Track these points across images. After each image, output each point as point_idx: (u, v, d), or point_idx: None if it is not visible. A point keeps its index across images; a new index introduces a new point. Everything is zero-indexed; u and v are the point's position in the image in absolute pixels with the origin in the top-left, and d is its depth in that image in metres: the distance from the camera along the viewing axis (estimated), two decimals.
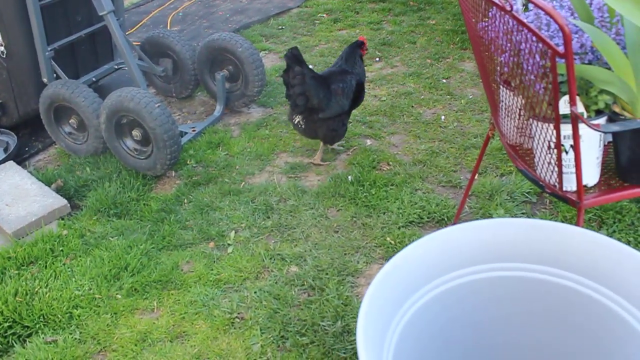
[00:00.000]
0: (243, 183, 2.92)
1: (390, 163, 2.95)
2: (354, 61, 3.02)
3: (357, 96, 3.00)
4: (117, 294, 2.28)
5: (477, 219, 2.45)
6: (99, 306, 2.22)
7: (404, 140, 3.16)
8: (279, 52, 4.38)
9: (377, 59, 4.11)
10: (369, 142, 3.17)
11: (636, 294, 1.34)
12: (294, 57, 2.76)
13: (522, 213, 2.52)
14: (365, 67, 3.19)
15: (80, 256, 2.49)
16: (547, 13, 1.43)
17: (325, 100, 2.83)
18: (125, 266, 2.39)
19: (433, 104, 3.48)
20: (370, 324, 1.27)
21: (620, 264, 1.38)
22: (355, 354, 1.90)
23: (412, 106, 3.47)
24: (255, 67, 3.42)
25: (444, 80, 3.74)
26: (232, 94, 3.58)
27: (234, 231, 2.57)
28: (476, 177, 2.78)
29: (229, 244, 2.49)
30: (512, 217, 2.50)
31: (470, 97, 3.51)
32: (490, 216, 2.49)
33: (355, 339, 1.94)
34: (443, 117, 3.32)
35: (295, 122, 2.95)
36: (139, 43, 3.84)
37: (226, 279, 2.30)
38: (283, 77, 2.84)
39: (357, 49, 3.04)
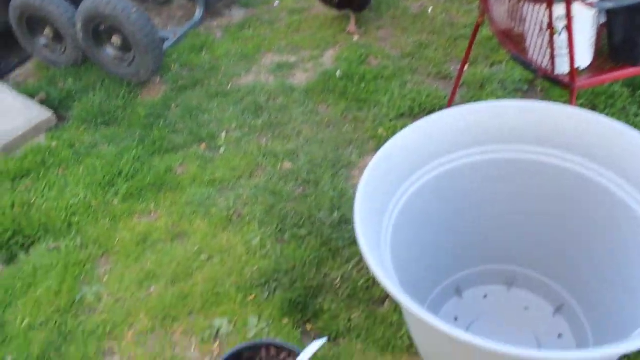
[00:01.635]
0: (230, 84, 2.87)
1: (379, 57, 2.90)
2: None
3: None
4: (113, 199, 2.28)
5: None
6: (97, 212, 2.24)
7: (392, 34, 3.09)
8: None
9: None
10: (356, 37, 3.10)
11: (628, 170, 1.36)
12: None
13: None
14: None
15: (72, 166, 2.48)
16: None
17: None
18: (119, 172, 2.38)
19: None
20: (366, 211, 1.29)
21: (613, 142, 1.39)
22: (353, 242, 1.95)
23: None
24: None
25: None
26: None
27: (224, 132, 2.55)
28: (466, 67, 2.75)
29: (220, 145, 2.48)
30: None
31: None
32: None
33: (352, 227, 1.98)
34: (430, 9, 3.23)
35: None
36: None
37: (220, 178, 2.30)
38: None
39: None
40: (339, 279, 1.84)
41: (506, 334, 1.60)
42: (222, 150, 2.45)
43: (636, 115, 2.33)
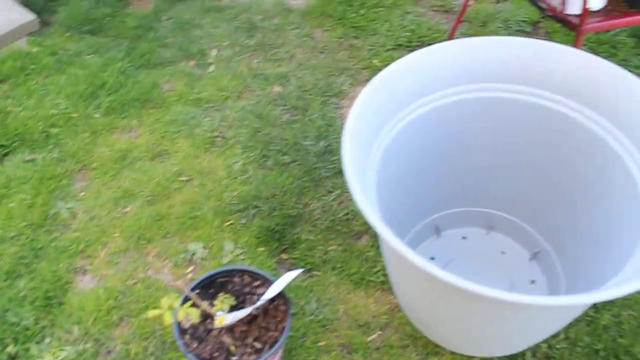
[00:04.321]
0: None
1: None
2: None
3: None
4: (94, 113, 2.20)
5: None
6: (77, 125, 2.16)
7: None
8: None
9: None
10: None
11: (620, 117, 1.30)
12: None
13: None
14: None
15: (53, 74, 2.38)
16: None
17: None
18: (102, 85, 2.29)
19: None
20: (354, 144, 1.23)
21: (609, 87, 1.33)
22: (337, 172, 1.90)
23: None
24: None
25: None
26: None
27: (215, 49, 2.44)
28: (471, 2, 2.63)
29: (210, 63, 2.38)
30: None
31: None
32: None
33: (337, 158, 1.93)
34: None
35: None
36: None
37: (207, 98, 2.22)
38: None
39: None
40: (319, 210, 1.80)
41: (481, 277, 1.57)
42: (211, 68, 2.36)
43: (637, 67, 2.24)
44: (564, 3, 1.68)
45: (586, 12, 1.61)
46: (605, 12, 1.73)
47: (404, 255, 1.00)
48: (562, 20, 1.71)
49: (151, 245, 1.76)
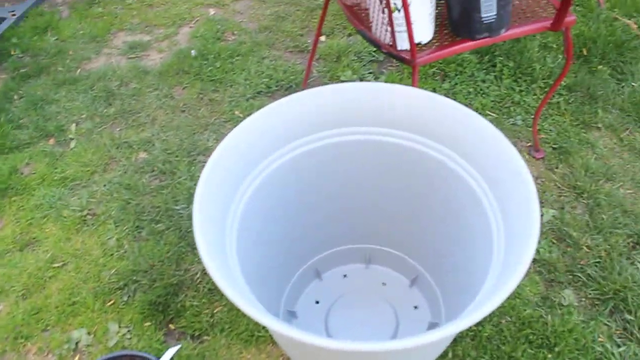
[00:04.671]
0: (79, 70, 2.69)
1: (236, 32, 2.83)
2: None
3: None
4: None
5: (326, 83, 2.46)
6: None
7: (249, 6, 3.02)
8: None
9: None
10: (212, 11, 3.00)
11: (469, 151, 1.41)
12: None
13: (370, 73, 2.55)
14: None
15: None
16: None
17: None
18: None
19: None
20: (210, 205, 1.26)
21: (455, 123, 1.43)
22: None
23: None
24: None
25: None
26: None
27: (74, 124, 2.40)
28: (324, 39, 2.75)
29: (71, 138, 2.33)
30: (360, 78, 2.52)
31: None
32: (338, 78, 2.50)
33: None
34: None
35: None
36: None
37: (72, 176, 2.17)
38: None
39: None
40: (199, 274, 1.81)
41: (365, 311, 1.65)
42: (72, 144, 2.31)
43: (483, 81, 2.44)
44: (394, 41, 1.80)
45: (414, 48, 1.74)
46: (434, 44, 1.87)
47: (273, 329, 1.03)
48: (396, 56, 1.83)
49: (30, 342, 1.69)
